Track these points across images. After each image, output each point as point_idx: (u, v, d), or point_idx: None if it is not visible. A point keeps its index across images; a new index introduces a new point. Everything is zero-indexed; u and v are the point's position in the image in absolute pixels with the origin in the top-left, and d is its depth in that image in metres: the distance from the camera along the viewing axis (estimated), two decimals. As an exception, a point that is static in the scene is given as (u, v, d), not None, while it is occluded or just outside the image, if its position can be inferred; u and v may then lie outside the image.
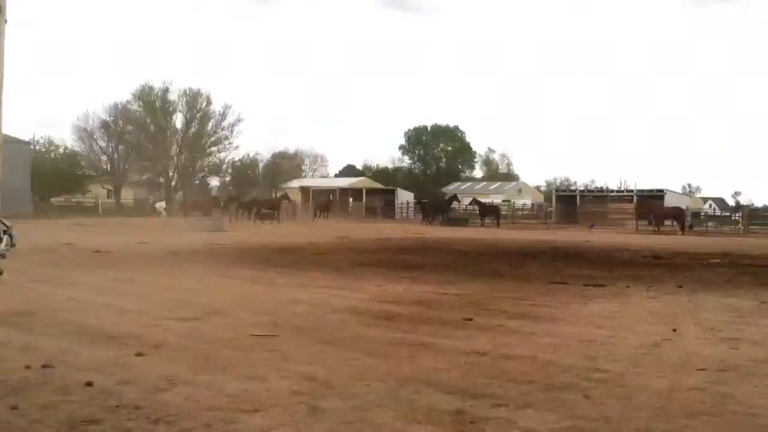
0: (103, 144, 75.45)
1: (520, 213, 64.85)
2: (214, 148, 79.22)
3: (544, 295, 11.75)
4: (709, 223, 55.07)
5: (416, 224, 50.40)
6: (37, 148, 67.79)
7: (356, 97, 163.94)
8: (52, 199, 64.42)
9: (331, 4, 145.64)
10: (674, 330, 8.58)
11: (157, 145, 75.29)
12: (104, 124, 74.79)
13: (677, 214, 46.60)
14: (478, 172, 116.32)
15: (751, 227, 47.76)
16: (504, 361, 6.79)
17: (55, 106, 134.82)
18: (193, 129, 77.44)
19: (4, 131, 1.72)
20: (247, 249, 21.59)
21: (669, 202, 55.53)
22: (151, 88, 76.97)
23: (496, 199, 72.95)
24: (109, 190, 76.82)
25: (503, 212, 57.43)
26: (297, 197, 64.02)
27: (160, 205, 53.98)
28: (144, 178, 79.77)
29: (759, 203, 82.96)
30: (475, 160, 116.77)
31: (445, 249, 23.05)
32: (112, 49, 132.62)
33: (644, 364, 6.76)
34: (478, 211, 55.49)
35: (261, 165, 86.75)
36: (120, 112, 75.88)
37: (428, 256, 20.18)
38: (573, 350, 7.35)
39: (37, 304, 9.52)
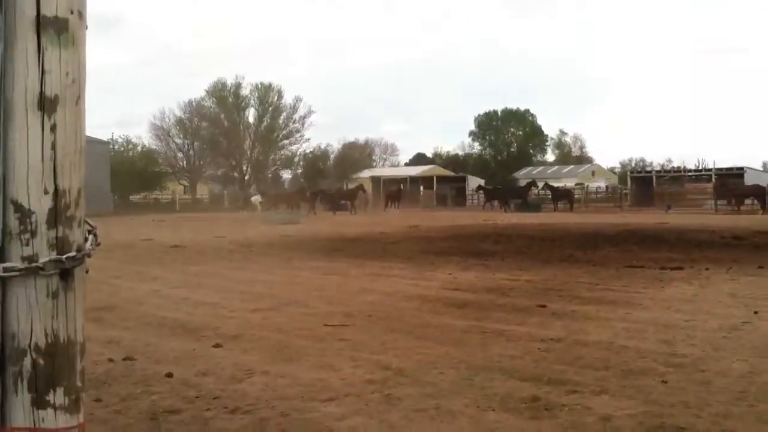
0: (178, 141, 77.39)
1: (594, 196, 63.85)
2: (285, 141, 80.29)
3: (619, 280, 11.53)
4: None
5: (488, 211, 50.07)
6: (116, 147, 69.81)
7: (426, 84, 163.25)
8: (130, 197, 66.22)
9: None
10: (755, 312, 8.32)
11: (231, 140, 76.71)
12: (179, 122, 76.64)
13: (758, 192, 44.97)
14: (550, 156, 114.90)
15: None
16: (579, 347, 6.70)
17: (133, 106, 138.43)
18: (265, 123, 78.64)
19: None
20: (320, 240, 21.81)
21: (749, 180, 53.67)
22: (223, 84, 78.53)
23: (569, 183, 71.85)
24: (185, 186, 78.62)
25: (577, 196, 56.64)
26: (368, 187, 64.33)
27: (256, 198, 54.88)
28: (219, 173, 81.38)
29: None
30: (547, 143, 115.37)
31: (517, 235, 22.82)
32: (186, 47, 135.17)
33: (724, 348, 6.57)
34: (550, 196, 54.85)
35: (332, 156, 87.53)
36: (194, 109, 77.61)
37: (500, 242, 20.01)
38: (650, 335, 7.20)
39: (119, 298, 9.83)
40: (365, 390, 5.32)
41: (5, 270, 1.65)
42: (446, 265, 14.25)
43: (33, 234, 1.69)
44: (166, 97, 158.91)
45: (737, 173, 57.02)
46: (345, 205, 50.35)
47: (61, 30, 1.72)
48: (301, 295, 10.14)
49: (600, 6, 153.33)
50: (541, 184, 56.82)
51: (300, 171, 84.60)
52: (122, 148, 72.90)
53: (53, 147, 1.70)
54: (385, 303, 9.47)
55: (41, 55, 1.70)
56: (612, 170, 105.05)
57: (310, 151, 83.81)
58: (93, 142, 50.70)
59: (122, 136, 76.87)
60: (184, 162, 77.97)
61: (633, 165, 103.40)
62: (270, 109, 78.99)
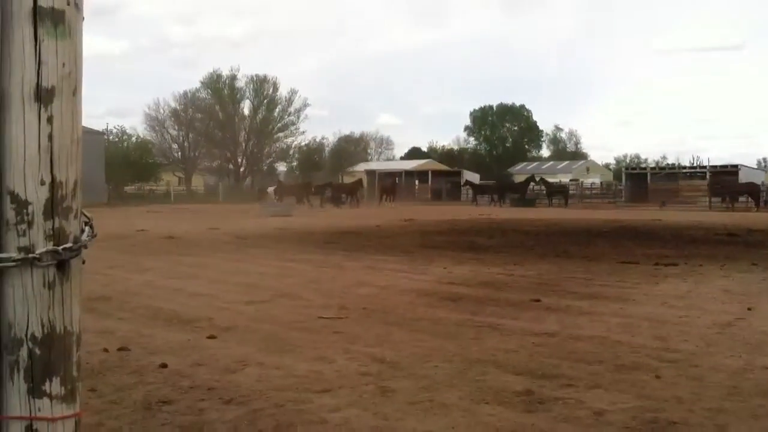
0: (173, 132, 77.30)
1: (588, 192, 63.88)
2: (281, 134, 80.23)
3: (613, 275, 11.57)
4: (787, 199, 53.27)
5: (481, 207, 50.14)
6: (110, 138, 69.63)
7: (422, 78, 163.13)
8: (125, 188, 66.08)
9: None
10: (749, 309, 8.37)
11: (226, 131, 76.63)
12: (174, 113, 76.50)
13: (752, 190, 45.20)
14: (545, 152, 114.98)
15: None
16: (573, 341, 6.73)
17: (127, 96, 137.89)
18: (260, 115, 78.58)
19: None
20: (315, 233, 21.81)
21: (744, 177, 53.77)
22: (219, 75, 78.39)
23: (564, 179, 71.93)
24: (180, 178, 78.51)
25: (571, 192, 56.71)
26: (363, 180, 64.38)
27: (272, 190, 54.79)
28: (214, 165, 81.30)
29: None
30: (543, 139, 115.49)
31: (512, 230, 22.86)
32: (180, 38, 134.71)
33: (717, 344, 6.61)
34: (545, 192, 54.91)
35: (327, 149, 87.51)
36: (189, 100, 77.52)
37: (495, 237, 20.05)
38: (644, 330, 7.23)
39: (113, 289, 9.83)
40: (359, 382, 5.34)
41: (1, 260, 1.66)
42: (441, 258, 14.27)
43: (30, 225, 1.69)
44: (161, 87, 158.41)
45: (731, 171, 57.10)
46: (345, 199, 50.54)
47: (57, 21, 1.72)
48: (295, 288, 10.14)
49: (596, 3, 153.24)
50: (538, 179, 56.87)
51: (295, 164, 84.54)
52: (117, 139, 72.73)
53: (50, 138, 1.70)
54: (380, 296, 9.49)
55: (38, 46, 1.70)
56: (607, 166, 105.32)
57: (305, 144, 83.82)
58: (88, 132, 50.59)
59: (117, 127, 76.94)
60: (179, 153, 77.85)
61: (628, 161, 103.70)
62: (265, 101, 78.98)
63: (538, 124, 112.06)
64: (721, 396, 4.98)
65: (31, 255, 1.67)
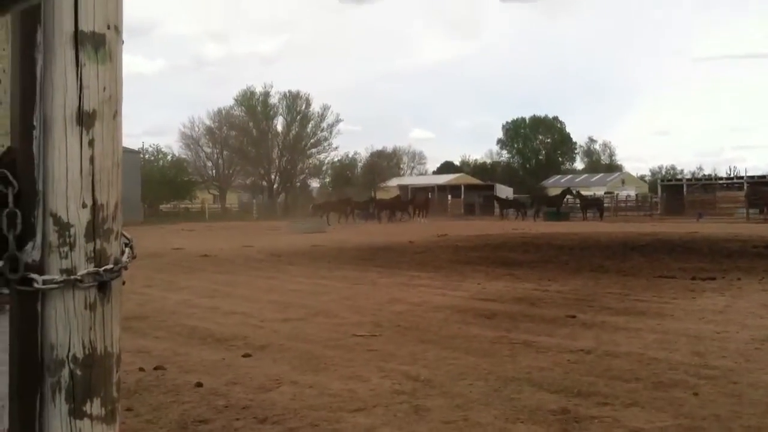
0: (208, 150, 77.96)
1: (623, 205, 63.23)
2: (313, 150, 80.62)
3: (650, 290, 11.43)
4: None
5: (511, 221, 49.88)
6: (146, 156, 70.49)
7: (454, 92, 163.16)
8: (160, 206, 66.80)
9: None
10: (790, 324, 8.22)
11: (259, 148, 77.18)
12: (209, 131, 77.26)
13: (792, 201, 44.43)
14: (579, 164, 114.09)
15: None
16: (609, 358, 6.65)
17: (163, 115, 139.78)
18: (293, 131, 79.00)
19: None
20: (348, 249, 21.86)
21: (783, 188, 52.89)
22: (252, 92, 79.06)
23: (599, 192, 71.32)
24: (214, 195, 79.19)
25: (606, 204, 56.18)
26: (396, 196, 64.38)
27: (314, 206, 55.23)
28: (247, 182, 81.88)
29: None
30: (576, 151, 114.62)
31: (546, 244, 22.70)
32: (213, 56, 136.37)
33: (756, 360, 6.49)
34: (579, 205, 54.47)
35: (359, 165, 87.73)
36: (224, 117, 78.24)
37: (529, 252, 19.93)
38: (681, 346, 7.13)
39: (149, 308, 9.93)
40: (394, 401, 5.32)
41: (45, 282, 1.68)
42: (475, 274, 14.21)
43: (72, 247, 1.71)
44: (196, 105, 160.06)
45: (770, 181, 56.20)
46: (394, 215, 51.53)
47: (98, 45, 1.75)
48: (329, 305, 10.16)
49: (630, 12, 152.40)
50: (575, 192, 56.41)
51: (328, 180, 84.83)
52: (152, 158, 73.62)
53: (91, 161, 1.73)
54: (414, 313, 9.47)
55: (79, 70, 1.73)
56: (642, 178, 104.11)
57: (338, 160, 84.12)
58: (124, 151, 51.16)
59: (152, 145, 77.76)
60: (213, 171, 78.54)
61: (663, 173, 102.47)
62: (298, 117, 79.40)
63: (571, 136, 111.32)
64: (760, 413, 4.89)
65: (73, 277, 1.69)
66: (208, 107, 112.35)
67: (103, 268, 1.75)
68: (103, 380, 1.77)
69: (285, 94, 79.37)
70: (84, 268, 1.72)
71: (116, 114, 1.80)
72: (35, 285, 1.68)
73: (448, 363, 6.53)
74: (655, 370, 6.18)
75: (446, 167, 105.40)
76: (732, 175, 68.00)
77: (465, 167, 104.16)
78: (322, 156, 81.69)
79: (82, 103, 1.72)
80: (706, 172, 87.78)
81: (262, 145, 77.54)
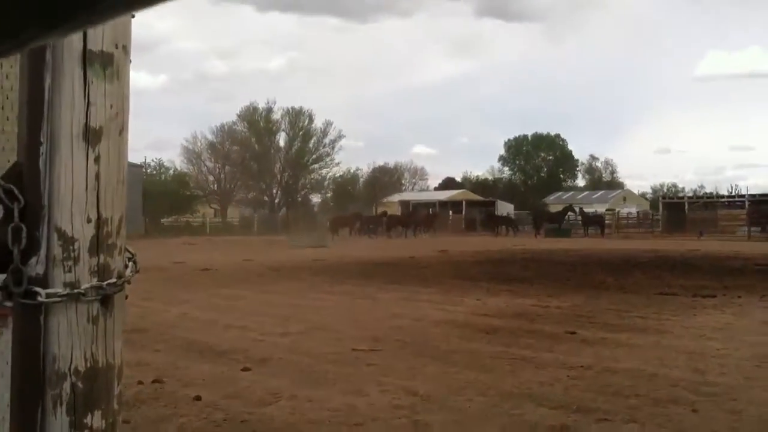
0: (210, 165, 78.14)
1: (625, 222, 63.23)
2: (315, 165, 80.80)
3: (650, 307, 11.43)
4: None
5: (518, 236, 49.86)
6: (148, 170, 70.63)
7: (456, 108, 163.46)
8: (161, 220, 66.84)
9: (429, 14, 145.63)
10: (790, 342, 8.22)
11: (262, 163, 77.37)
12: (211, 146, 77.50)
13: (793, 219, 44.43)
14: (580, 181, 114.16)
15: None
16: (609, 374, 6.66)
17: (165, 130, 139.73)
18: (295, 147, 79.23)
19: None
20: (349, 264, 21.86)
21: (784, 206, 52.88)
22: (255, 108, 79.37)
23: (600, 209, 71.34)
24: (215, 210, 79.29)
25: (607, 221, 56.19)
26: (396, 211, 64.50)
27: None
28: (249, 197, 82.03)
29: None
30: (578, 168, 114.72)
31: (547, 261, 22.72)
32: (217, 72, 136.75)
33: (756, 377, 6.50)
34: (581, 221, 54.49)
35: (361, 180, 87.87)
36: (226, 133, 78.53)
37: (529, 268, 19.93)
38: (681, 363, 7.14)
39: (149, 321, 9.93)
40: (393, 415, 5.33)
41: (48, 296, 1.71)
42: (475, 290, 14.22)
43: (75, 261, 1.74)
44: (199, 121, 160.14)
45: (771, 199, 56.19)
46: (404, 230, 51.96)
47: (106, 64, 1.79)
48: (330, 320, 10.17)
49: (632, 32, 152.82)
50: (577, 209, 56.42)
51: (329, 195, 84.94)
52: (155, 172, 73.73)
53: (97, 177, 1.77)
54: (414, 328, 9.47)
55: (87, 88, 1.77)
56: (643, 196, 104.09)
57: (340, 175, 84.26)
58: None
59: (155, 160, 77.74)
60: (215, 185, 78.70)
61: (665, 190, 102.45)
62: (300, 133, 79.64)
63: (573, 153, 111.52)
64: (759, 431, 4.89)
65: (76, 290, 1.72)
66: (211, 123, 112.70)
67: (106, 282, 1.78)
68: (104, 393, 1.79)
69: (288, 110, 79.72)
70: (87, 282, 1.75)
71: (122, 131, 1.83)
72: (39, 298, 1.70)
73: (448, 378, 6.53)
74: (655, 386, 6.18)
75: (448, 183, 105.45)
76: (734, 194, 67.97)
77: (466, 183, 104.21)
78: (324, 171, 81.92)
79: (89, 120, 1.76)
80: (708, 190, 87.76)
81: (264, 160, 77.74)
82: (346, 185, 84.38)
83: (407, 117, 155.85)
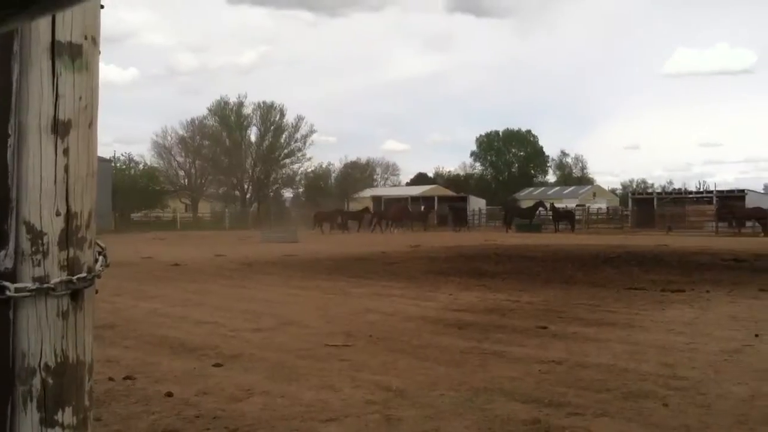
0: (180, 159, 77.57)
1: (595, 217, 63.78)
2: (287, 160, 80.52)
3: (620, 302, 11.54)
4: (794, 224, 53.22)
5: (491, 231, 50.05)
6: (118, 165, 69.91)
7: (428, 104, 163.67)
8: (131, 215, 66.25)
9: (400, 8, 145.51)
10: (756, 335, 8.33)
11: (233, 158, 76.96)
12: (182, 140, 76.90)
13: (759, 215, 45.02)
14: (551, 177, 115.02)
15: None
16: (580, 369, 6.71)
17: (135, 124, 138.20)
18: (267, 142, 78.90)
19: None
20: (321, 260, 21.82)
21: (750, 202, 53.65)
22: (226, 103, 78.87)
23: (570, 204, 71.87)
24: (186, 204, 78.76)
25: (578, 217, 56.62)
26: (369, 206, 64.52)
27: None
28: (220, 192, 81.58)
29: None
30: (549, 164, 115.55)
31: (518, 256, 22.84)
32: (188, 66, 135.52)
33: (725, 371, 6.58)
34: (551, 217, 54.85)
35: (333, 175, 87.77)
36: (197, 127, 77.96)
37: (501, 263, 20.03)
38: (651, 357, 7.21)
39: (119, 317, 9.83)
40: (365, 411, 5.33)
41: (17, 290, 1.68)
42: (447, 285, 14.26)
43: (45, 255, 1.72)
44: (169, 115, 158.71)
45: (738, 196, 56.97)
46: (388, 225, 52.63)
47: (75, 55, 1.76)
48: (301, 315, 10.14)
49: (602, 29, 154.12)
50: (548, 205, 56.77)
51: (301, 190, 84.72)
52: (124, 166, 72.99)
53: (66, 170, 1.74)
54: (386, 323, 9.48)
55: (55, 79, 1.74)
56: (613, 192, 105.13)
57: (312, 170, 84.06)
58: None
59: (124, 154, 76.99)
60: (186, 180, 78.15)
61: (634, 186, 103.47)
62: (272, 128, 79.32)
63: (544, 149, 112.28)
64: (729, 424, 4.96)
65: (45, 285, 1.70)
66: (181, 117, 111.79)
67: (76, 276, 1.75)
68: (74, 389, 1.77)
69: (259, 105, 79.34)
70: (57, 277, 1.72)
71: (92, 123, 1.81)
72: (7, 293, 1.68)
73: (420, 373, 6.54)
74: (625, 380, 6.24)
75: (420, 179, 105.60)
76: (702, 190, 68.82)
77: (439, 179, 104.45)
78: (295, 166, 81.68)
79: (57, 112, 1.73)
80: (676, 186, 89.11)
81: (235, 155, 77.32)
82: (317, 180, 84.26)
83: (379, 112, 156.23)
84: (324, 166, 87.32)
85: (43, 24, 1.70)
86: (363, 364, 6.92)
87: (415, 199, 77.63)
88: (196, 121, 78.20)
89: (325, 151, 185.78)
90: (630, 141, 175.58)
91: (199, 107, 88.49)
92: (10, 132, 1.70)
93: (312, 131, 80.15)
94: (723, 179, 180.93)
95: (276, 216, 66.50)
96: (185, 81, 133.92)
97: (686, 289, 13.01)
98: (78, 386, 1.77)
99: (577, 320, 9.64)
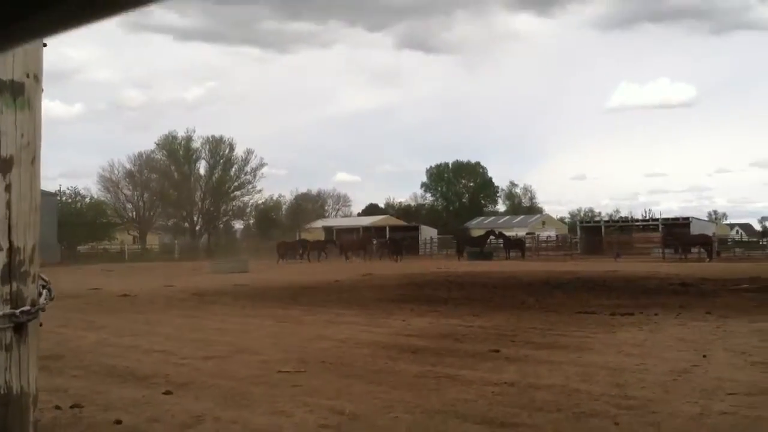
0: (128, 192, 76.59)
1: (544, 245, 64.56)
2: (237, 192, 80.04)
3: (571, 325, 11.65)
4: (737, 250, 54.68)
5: (441, 259, 50.26)
6: (63, 199, 68.68)
7: (378, 137, 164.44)
8: (78, 247, 65.03)
9: (349, 45, 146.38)
10: (704, 356, 8.48)
11: (182, 191, 76.23)
12: (129, 174, 76.01)
13: (704, 241, 46.19)
14: (501, 207, 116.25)
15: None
16: (532, 390, 6.74)
17: (80, 158, 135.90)
18: (216, 175, 78.42)
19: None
20: (273, 288, 21.63)
21: (695, 229, 54.96)
22: (174, 137, 78.30)
23: (521, 232, 72.67)
24: (134, 236, 77.60)
25: (528, 245, 57.27)
26: (320, 237, 64.47)
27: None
28: (169, 224, 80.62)
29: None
30: (498, 194, 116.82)
31: (469, 283, 22.95)
32: (135, 102, 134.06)
33: (674, 391, 6.68)
34: (502, 245, 55.37)
35: (284, 207, 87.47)
36: (144, 161, 77.17)
37: (453, 290, 20.10)
38: (602, 378, 7.28)
39: (65, 347, 9.60)
40: (319, 435, 5.27)
41: (-40, 324, 1.65)
42: (400, 312, 14.24)
43: (-13, 290, 1.69)
44: (116, 150, 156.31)
45: (683, 223, 58.31)
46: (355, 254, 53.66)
47: (17, 93, 1.75)
48: (254, 343, 10.02)
49: (546, 62, 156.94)
50: (498, 233, 57.33)
51: (252, 221, 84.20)
52: (70, 200, 71.70)
53: (8, 206, 1.72)
54: (339, 349, 9.42)
55: (-3, 117, 1.73)
56: (562, 220, 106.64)
57: (262, 202, 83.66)
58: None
59: (70, 188, 75.49)
60: (134, 213, 77.13)
61: (582, 215, 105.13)
62: (221, 161, 78.96)
63: (493, 180, 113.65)
64: (679, 440, 5.02)
65: (-13, 319, 1.67)
66: (128, 151, 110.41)
67: (19, 309, 1.73)
68: (19, 420, 1.74)
69: (208, 139, 78.98)
70: (0, 310, 1.70)
71: (34, 160, 1.79)
72: (-50, 325, 1.64)
73: (374, 397, 6.51)
74: (577, 401, 6.29)
75: (371, 209, 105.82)
76: (648, 218, 70.22)
77: (390, 209, 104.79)
78: (245, 198, 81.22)
79: (-1, 150, 1.71)
80: (623, 214, 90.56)
81: (184, 188, 76.64)
82: (268, 212, 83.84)
83: (330, 146, 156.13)
84: (275, 198, 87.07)
85: (-16, 64, 1.69)
86: (316, 390, 6.86)
87: (366, 229, 77.70)
88: (144, 155, 77.50)
89: (276, 183, 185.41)
90: (577, 172, 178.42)
91: (146, 142, 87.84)
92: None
93: (262, 164, 80.00)
94: (668, 207, 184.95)
95: (227, 247, 65.95)
96: (132, 116, 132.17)
97: (635, 313, 13.20)
98: (22, 417, 1.74)
99: (529, 344, 9.70)
